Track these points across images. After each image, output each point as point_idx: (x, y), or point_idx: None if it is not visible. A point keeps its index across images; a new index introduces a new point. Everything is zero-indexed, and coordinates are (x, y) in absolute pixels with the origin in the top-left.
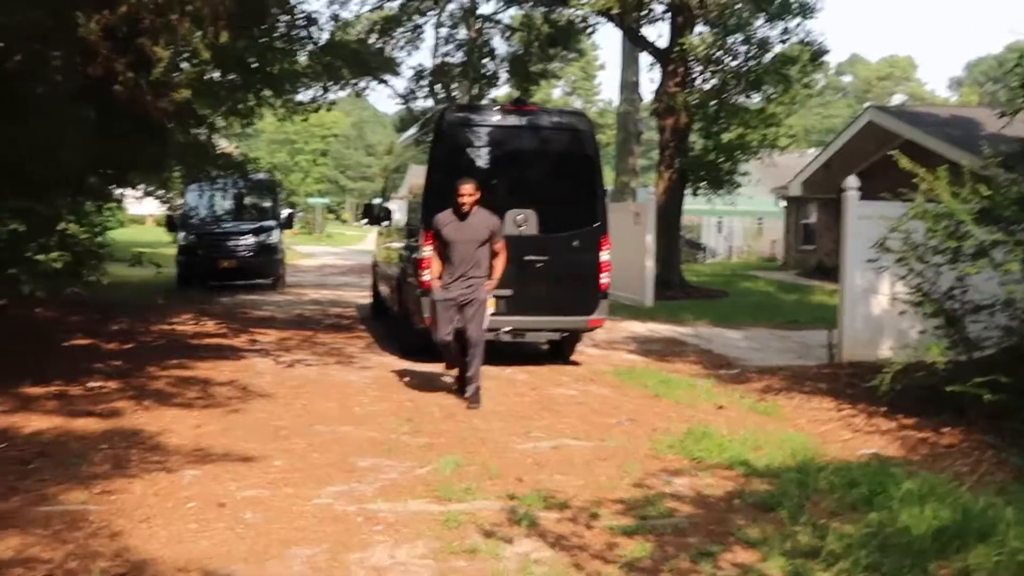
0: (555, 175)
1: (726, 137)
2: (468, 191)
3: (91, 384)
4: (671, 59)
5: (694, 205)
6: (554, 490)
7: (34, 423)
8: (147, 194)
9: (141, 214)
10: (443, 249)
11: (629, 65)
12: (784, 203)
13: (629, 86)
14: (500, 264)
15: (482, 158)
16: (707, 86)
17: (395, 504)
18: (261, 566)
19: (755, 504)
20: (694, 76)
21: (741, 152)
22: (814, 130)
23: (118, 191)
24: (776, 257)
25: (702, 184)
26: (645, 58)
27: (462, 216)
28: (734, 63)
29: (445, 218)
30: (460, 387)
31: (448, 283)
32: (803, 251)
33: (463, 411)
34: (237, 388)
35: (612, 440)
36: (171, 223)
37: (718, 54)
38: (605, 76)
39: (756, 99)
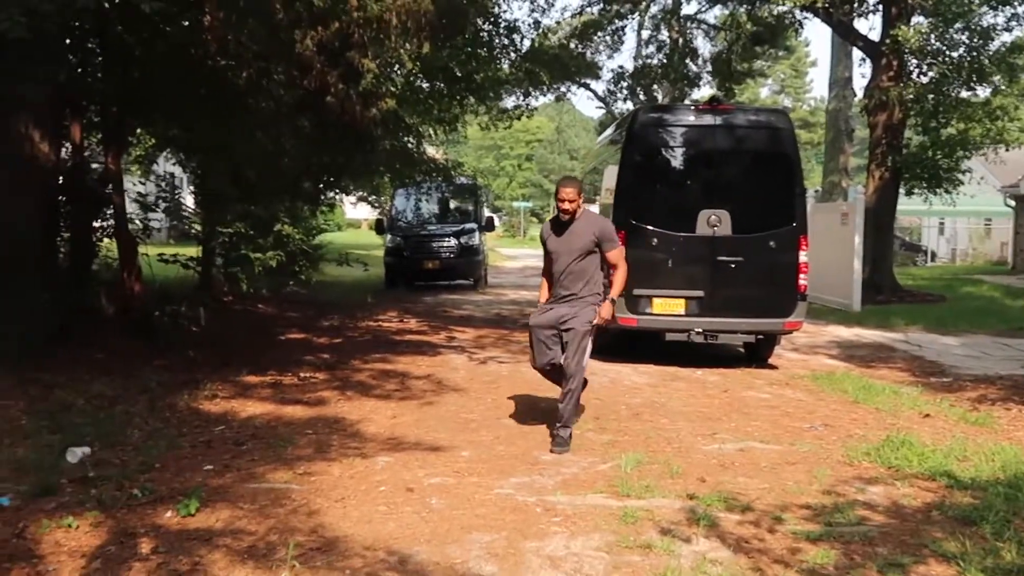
0: (751, 175)
1: (945, 133)
2: (567, 195)
3: (302, 375)
4: (883, 52)
5: (911, 205)
6: (737, 492)
7: (249, 408)
8: (360, 199)
9: (357, 218)
10: (548, 264)
11: (840, 60)
12: (1014, 202)
13: (840, 82)
14: (619, 278)
15: (675, 159)
16: (924, 79)
17: (574, 497)
18: (442, 549)
19: (955, 517)
20: (910, 69)
21: (962, 148)
22: None
23: (331, 195)
24: (1006, 260)
25: (918, 183)
26: (858, 53)
27: (565, 224)
28: (953, 54)
29: (548, 228)
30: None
31: (549, 304)
32: None
33: (650, 410)
34: (432, 382)
35: (803, 445)
36: (379, 226)
37: (935, 45)
38: (817, 73)
39: (981, 92)
